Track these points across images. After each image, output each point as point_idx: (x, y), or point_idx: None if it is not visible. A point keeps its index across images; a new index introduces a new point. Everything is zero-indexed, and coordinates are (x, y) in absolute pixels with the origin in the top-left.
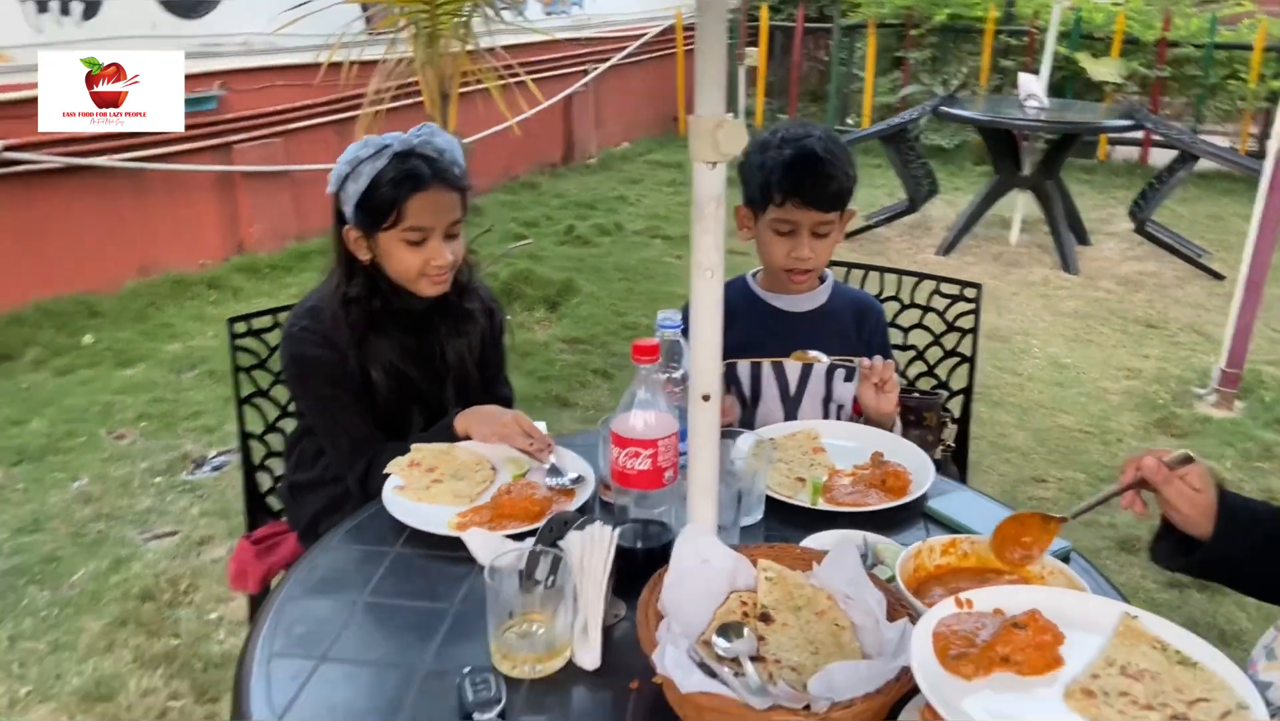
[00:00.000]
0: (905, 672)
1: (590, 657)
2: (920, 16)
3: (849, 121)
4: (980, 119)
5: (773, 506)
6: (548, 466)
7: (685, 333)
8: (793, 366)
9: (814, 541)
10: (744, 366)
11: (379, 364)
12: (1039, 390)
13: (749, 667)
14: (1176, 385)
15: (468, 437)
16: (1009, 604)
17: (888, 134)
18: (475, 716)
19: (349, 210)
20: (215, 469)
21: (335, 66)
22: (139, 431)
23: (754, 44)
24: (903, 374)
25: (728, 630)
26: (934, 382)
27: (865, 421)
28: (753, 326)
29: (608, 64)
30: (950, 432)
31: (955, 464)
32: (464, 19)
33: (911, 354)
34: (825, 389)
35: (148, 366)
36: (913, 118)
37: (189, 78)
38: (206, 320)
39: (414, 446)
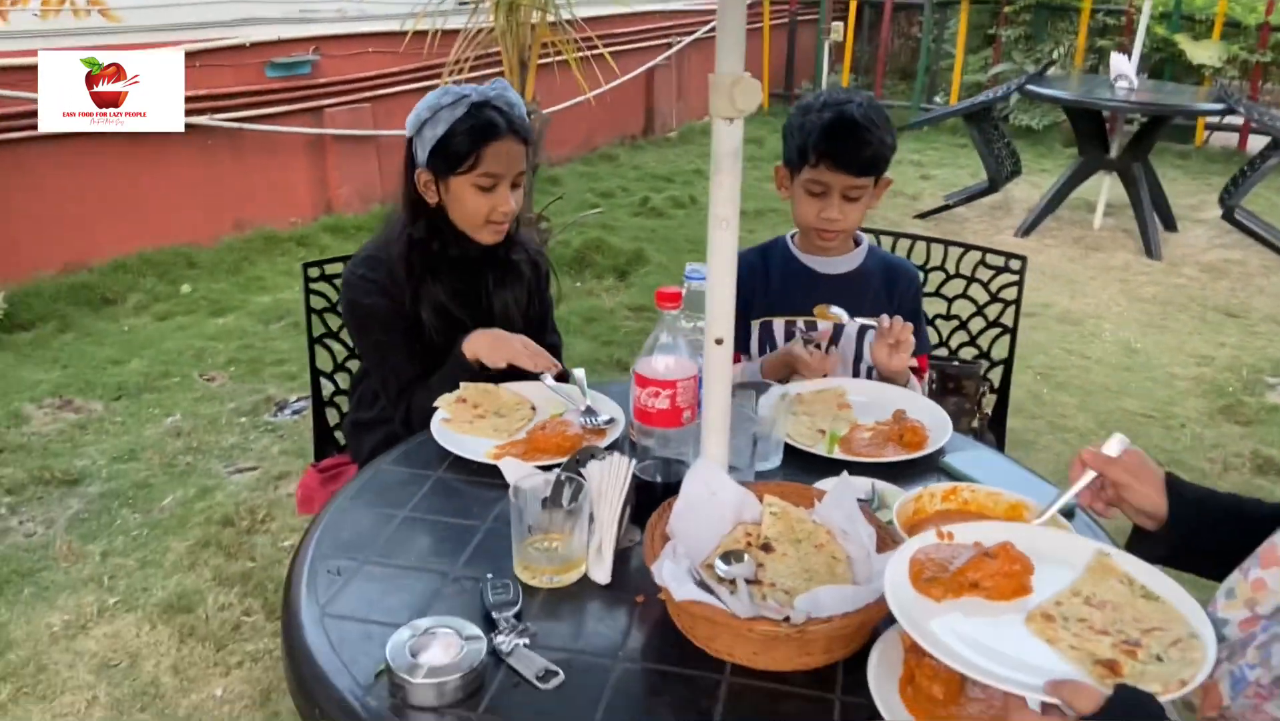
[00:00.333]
0: (884, 596)
1: (602, 573)
2: None
3: (937, 100)
4: (1064, 98)
5: (792, 454)
6: (583, 408)
7: None
8: (824, 326)
9: (823, 486)
10: (779, 324)
11: (430, 304)
12: (1105, 373)
13: (743, 587)
14: (1248, 374)
15: (478, 361)
16: (989, 538)
17: (971, 112)
18: (494, 615)
19: (422, 154)
20: (295, 412)
21: (421, 35)
22: (228, 375)
23: (841, 19)
24: (944, 343)
25: (729, 556)
26: (975, 352)
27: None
28: (787, 285)
29: (691, 37)
30: (989, 402)
31: (993, 432)
32: None
33: (954, 323)
34: (856, 348)
35: (238, 316)
36: (997, 96)
37: (287, 42)
38: (294, 275)
39: (461, 385)
